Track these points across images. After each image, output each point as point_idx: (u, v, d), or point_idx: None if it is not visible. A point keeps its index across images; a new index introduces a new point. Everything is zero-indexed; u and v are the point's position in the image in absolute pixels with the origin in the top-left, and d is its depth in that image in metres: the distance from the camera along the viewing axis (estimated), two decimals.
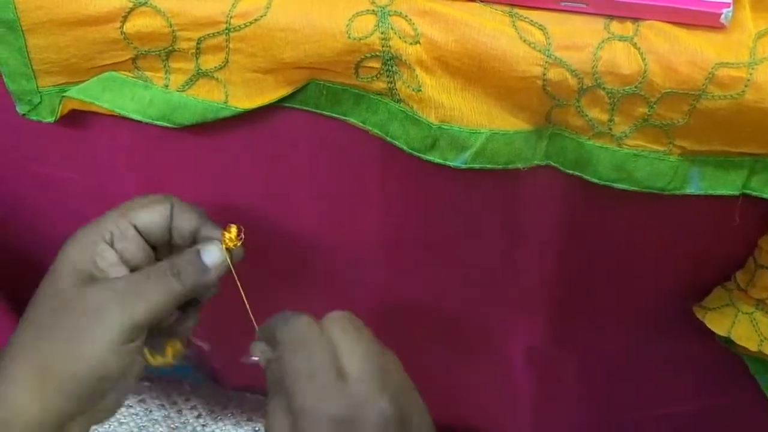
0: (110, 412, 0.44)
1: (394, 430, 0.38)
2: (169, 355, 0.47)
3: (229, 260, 0.44)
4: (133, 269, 0.44)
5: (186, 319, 0.46)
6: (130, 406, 0.70)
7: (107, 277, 0.42)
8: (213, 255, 0.43)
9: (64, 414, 0.41)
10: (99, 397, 0.41)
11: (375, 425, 0.37)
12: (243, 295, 0.45)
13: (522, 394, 0.67)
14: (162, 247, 0.46)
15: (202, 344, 0.49)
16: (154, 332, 0.44)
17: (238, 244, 0.44)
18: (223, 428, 0.68)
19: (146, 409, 0.70)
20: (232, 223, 0.45)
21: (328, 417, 0.37)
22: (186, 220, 0.44)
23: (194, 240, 0.44)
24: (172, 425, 0.70)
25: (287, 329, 0.40)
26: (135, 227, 0.43)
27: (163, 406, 0.70)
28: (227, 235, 0.44)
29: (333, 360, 0.38)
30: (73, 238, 0.43)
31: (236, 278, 0.45)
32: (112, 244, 0.43)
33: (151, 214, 0.44)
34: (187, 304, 0.46)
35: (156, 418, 0.70)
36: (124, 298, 0.41)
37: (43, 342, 0.41)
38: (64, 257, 0.43)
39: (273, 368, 0.40)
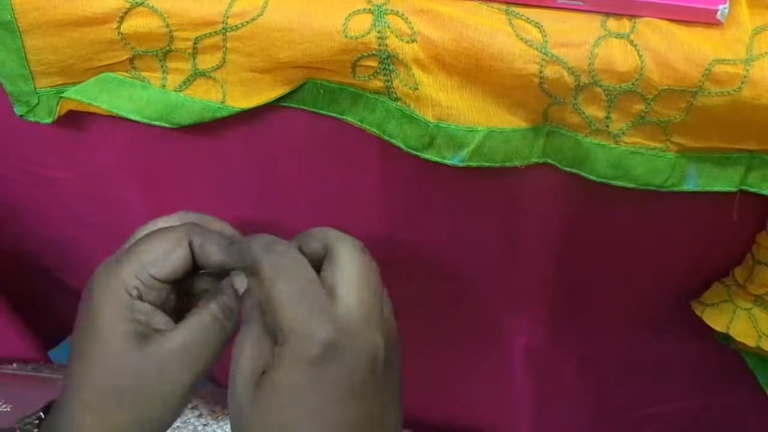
0: None
1: (381, 369, 0.38)
2: None
3: None
4: (169, 310, 0.42)
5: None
6: None
7: (152, 328, 0.41)
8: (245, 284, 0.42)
9: None
10: None
11: (365, 357, 0.38)
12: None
13: (521, 392, 0.67)
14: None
15: None
16: None
17: None
18: (225, 428, 0.68)
19: None
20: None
21: (319, 339, 0.36)
22: (209, 256, 0.42)
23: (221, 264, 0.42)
24: (173, 424, 0.70)
25: (272, 256, 0.39)
26: (157, 279, 0.42)
27: None
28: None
29: (322, 283, 0.39)
30: (99, 294, 0.41)
31: None
32: (141, 298, 0.42)
33: (173, 264, 0.42)
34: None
35: None
36: (186, 357, 0.40)
37: (112, 405, 0.40)
38: (99, 317, 0.41)
39: (250, 297, 0.40)
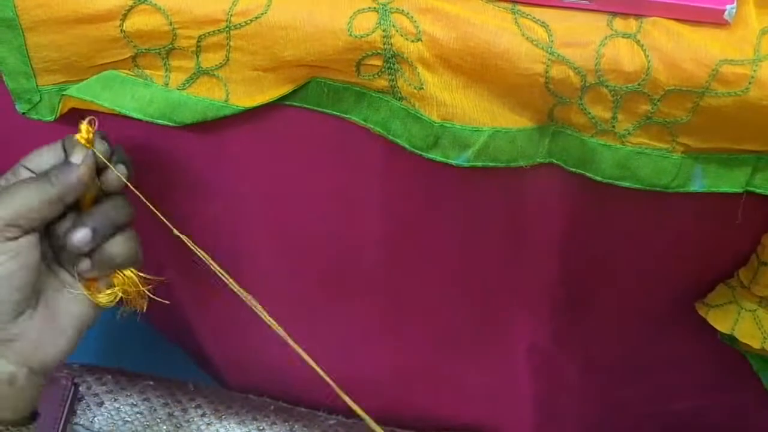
0: (47, 354, 0.46)
1: None
2: (117, 287, 0.48)
3: (91, 152, 0.45)
4: None
5: (113, 241, 0.47)
6: (135, 405, 0.71)
7: None
8: (78, 153, 0.45)
9: None
10: None
11: None
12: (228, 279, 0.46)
13: (524, 392, 0.67)
14: None
15: (159, 278, 0.49)
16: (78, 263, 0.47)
17: (90, 135, 0.45)
18: (228, 427, 0.69)
19: (150, 407, 0.71)
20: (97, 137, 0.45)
21: None
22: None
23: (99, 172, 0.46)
24: (176, 423, 0.70)
25: None
26: (27, 168, 0.46)
27: (167, 404, 0.71)
28: (82, 127, 0.44)
29: None
30: None
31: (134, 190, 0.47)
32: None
33: (41, 156, 0.46)
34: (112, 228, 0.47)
35: (160, 416, 0.70)
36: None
37: None
38: None
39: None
